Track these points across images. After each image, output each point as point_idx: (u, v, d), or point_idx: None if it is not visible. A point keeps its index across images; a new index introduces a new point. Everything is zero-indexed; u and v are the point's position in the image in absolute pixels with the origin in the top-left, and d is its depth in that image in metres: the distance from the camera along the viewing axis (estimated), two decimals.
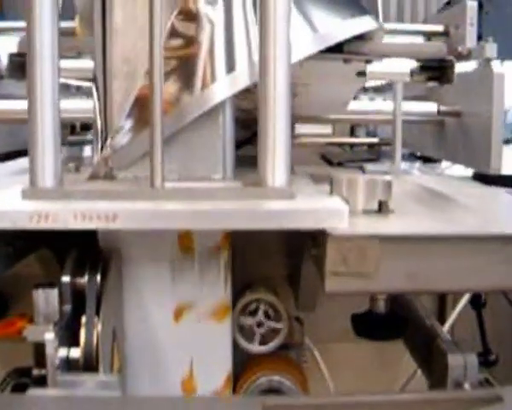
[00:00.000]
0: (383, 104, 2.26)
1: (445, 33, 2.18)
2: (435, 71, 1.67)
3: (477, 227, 1.16)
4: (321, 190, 1.24)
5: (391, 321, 1.35)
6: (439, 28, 2.18)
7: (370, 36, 1.46)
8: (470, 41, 2.00)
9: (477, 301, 1.44)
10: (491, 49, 1.84)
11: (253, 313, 1.42)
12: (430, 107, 2.14)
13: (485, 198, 1.61)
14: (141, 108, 1.24)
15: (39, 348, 1.16)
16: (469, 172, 2.11)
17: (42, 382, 1.16)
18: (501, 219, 1.34)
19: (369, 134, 3.52)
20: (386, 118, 2.18)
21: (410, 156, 2.85)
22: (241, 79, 1.24)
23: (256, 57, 1.19)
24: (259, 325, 1.41)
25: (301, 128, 2.48)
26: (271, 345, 1.41)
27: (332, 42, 1.34)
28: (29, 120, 1.13)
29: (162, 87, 1.10)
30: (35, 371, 1.18)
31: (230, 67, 1.25)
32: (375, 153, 3.02)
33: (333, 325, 1.84)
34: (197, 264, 1.30)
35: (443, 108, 2.11)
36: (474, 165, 1.98)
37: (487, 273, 1.08)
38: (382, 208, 1.21)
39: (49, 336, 1.09)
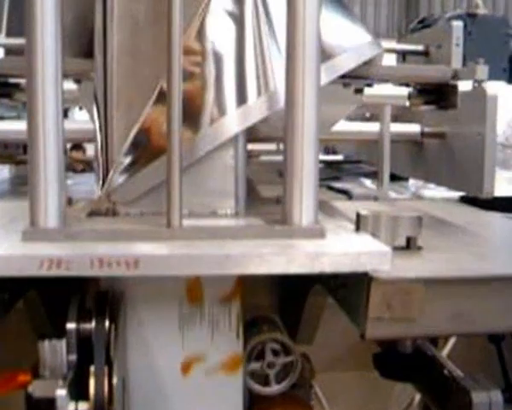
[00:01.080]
0: (365, 125, 2.20)
1: (425, 53, 2.13)
2: (433, 95, 1.62)
3: None
4: (342, 225, 1.16)
5: (417, 361, 1.28)
6: (419, 47, 2.14)
7: (371, 59, 1.40)
8: (456, 61, 1.95)
9: (496, 335, 1.39)
10: (482, 71, 1.79)
11: (261, 354, 1.32)
12: (413, 128, 2.09)
13: (497, 227, 1.56)
14: (145, 140, 1.13)
15: (43, 404, 1.04)
16: (447, 193, 2.09)
17: None
18: None
19: (327, 152, 3.48)
20: (367, 138, 2.12)
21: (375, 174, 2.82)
22: (255, 111, 1.14)
23: (272, 87, 1.10)
24: (270, 365, 1.31)
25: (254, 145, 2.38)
26: (288, 381, 1.32)
27: (342, 72, 1.27)
28: (29, 153, 1.01)
29: (181, 124, 1.00)
30: None
31: (242, 99, 1.15)
32: (336, 170, 2.98)
33: (325, 354, 1.76)
34: (207, 315, 1.20)
35: (427, 129, 2.06)
36: (463, 188, 1.93)
37: None
38: (411, 245, 1.14)
39: (61, 392, 0.98)
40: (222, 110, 1.14)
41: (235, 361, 1.21)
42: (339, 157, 3.11)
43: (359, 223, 1.12)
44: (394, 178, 2.63)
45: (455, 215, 1.62)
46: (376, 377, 1.54)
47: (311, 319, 1.47)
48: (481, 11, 2.24)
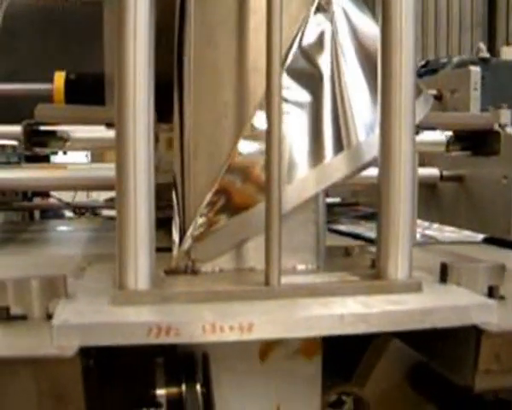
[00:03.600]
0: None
1: (438, 97, 2.16)
2: (470, 140, 1.64)
3: None
4: (422, 276, 1.14)
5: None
6: (432, 91, 2.16)
7: None
8: (474, 106, 1.99)
9: None
10: (505, 115, 1.83)
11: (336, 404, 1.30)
12: (430, 171, 2.10)
13: None
14: (225, 196, 1.11)
15: None
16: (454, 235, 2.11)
17: None
18: None
19: None
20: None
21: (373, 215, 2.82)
22: (338, 167, 1.12)
23: (354, 143, 1.10)
24: None
25: None
26: None
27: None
28: (119, 212, 0.98)
29: (281, 174, 0.98)
30: None
31: (321, 157, 1.13)
32: (332, 213, 2.98)
33: None
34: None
35: (446, 172, 2.08)
36: (488, 230, 1.94)
37: None
38: (494, 294, 1.12)
39: None
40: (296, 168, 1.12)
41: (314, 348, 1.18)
42: (336, 200, 3.11)
43: (446, 274, 1.10)
44: None
45: (498, 257, 1.62)
46: None
47: (369, 365, 1.44)
48: (486, 55, 2.30)
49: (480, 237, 2.03)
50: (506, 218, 1.83)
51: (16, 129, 2.20)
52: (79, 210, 3.20)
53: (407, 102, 1.00)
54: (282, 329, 0.90)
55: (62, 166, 2.44)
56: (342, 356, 1.44)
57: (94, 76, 2.09)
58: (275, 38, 0.96)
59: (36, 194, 2.91)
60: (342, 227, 2.41)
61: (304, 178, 1.10)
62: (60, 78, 2.16)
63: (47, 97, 2.25)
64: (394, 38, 0.99)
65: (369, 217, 2.75)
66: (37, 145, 1.56)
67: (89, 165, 3.58)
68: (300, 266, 1.14)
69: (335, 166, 1.11)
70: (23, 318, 0.99)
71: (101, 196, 3.25)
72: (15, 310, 0.99)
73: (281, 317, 0.91)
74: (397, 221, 1.02)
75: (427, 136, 1.65)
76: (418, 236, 2.25)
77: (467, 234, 2.17)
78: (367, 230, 2.43)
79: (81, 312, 0.93)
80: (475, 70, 1.98)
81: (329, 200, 3.17)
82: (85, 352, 0.88)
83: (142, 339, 0.88)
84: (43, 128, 1.54)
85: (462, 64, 2.17)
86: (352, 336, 1.28)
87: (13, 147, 2.84)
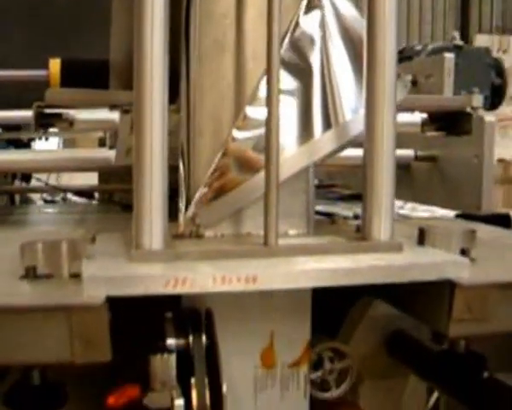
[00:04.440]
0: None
1: (414, 82, 2.30)
2: (445, 122, 1.79)
3: None
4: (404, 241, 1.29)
5: (471, 360, 1.42)
6: (408, 77, 2.30)
7: None
8: (448, 91, 2.13)
9: None
10: (477, 99, 1.97)
11: (319, 363, 1.43)
12: (407, 152, 2.25)
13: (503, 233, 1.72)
14: (228, 167, 1.24)
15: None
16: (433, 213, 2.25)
17: None
18: None
19: None
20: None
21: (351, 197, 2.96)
22: (327, 142, 1.26)
23: (341, 120, 1.23)
24: (330, 372, 1.43)
25: None
26: (346, 384, 1.44)
27: None
28: (135, 180, 1.10)
29: (279, 147, 1.12)
30: None
31: (309, 132, 1.27)
32: None
33: None
34: (279, 380, 1.30)
35: (420, 153, 2.22)
36: (459, 207, 2.09)
37: None
38: (466, 255, 1.27)
39: (179, 402, 1.07)
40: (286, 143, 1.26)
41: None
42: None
43: (423, 237, 1.25)
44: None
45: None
46: (387, 386, 1.68)
47: (351, 327, 1.59)
48: (460, 42, 2.45)
49: (452, 214, 2.19)
50: (476, 195, 1.98)
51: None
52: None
53: (389, 85, 1.14)
54: (282, 280, 1.04)
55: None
56: (328, 319, 1.59)
57: (87, 62, 2.20)
58: (274, 29, 1.09)
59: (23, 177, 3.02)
60: (319, 207, 2.55)
61: (296, 153, 1.24)
62: (55, 64, 2.25)
63: (40, 83, 2.32)
64: (378, 28, 1.13)
65: (346, 198, 2.90)
66: (45, 126, 1.68)
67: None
68: (292, 231, 1.28)
69: (324, 141, 1.25)
70: (48, 277, 1.12)
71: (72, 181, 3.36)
72: (42, 270, 1.12)
73: (281, 270, 1.05)
74: (380, 189, 1.16)
75: (404, 117, 1.79)
76: None
77: (440, 212, 2.33)
78: (344, 209, 2.58)
79: (105, 267, 1.06)
80: (449, 57, 2.12)
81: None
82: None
83: (160, 289, 1.01)
84: (49, 111, 1.65)
85: (437, 51, 2.31)
86: (337, 298, 1.42)
87: None
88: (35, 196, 3.56)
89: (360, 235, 1.19)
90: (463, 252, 1.27)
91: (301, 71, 1.27)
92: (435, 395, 1.90)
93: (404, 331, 1.67)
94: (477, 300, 1.10)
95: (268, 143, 1.11)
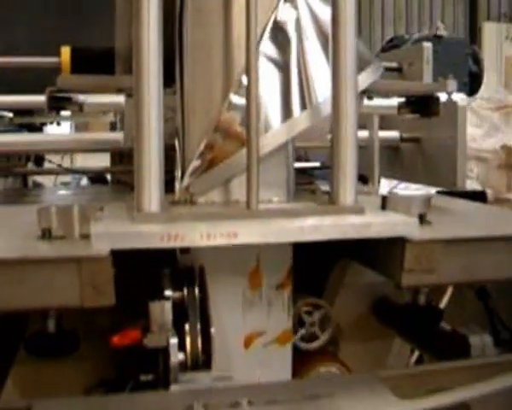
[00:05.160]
0: None
1: (399, 69, 2.49)
2: (418, 105, 1.97)
3: (501, 231, 1.45)
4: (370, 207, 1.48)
5: (430, 313, 1.61)
6: (393, 64, 2.49)
7: None
8: (427, 77, 2.31)
9: (484, 293, 1.73)
10: (452, 84, 2.15)
11: (300, 320, 1.64)
12: (392, 134, 2.44)
13: (475, 209, 1.91)
14: (217, 142, 1.43)
15: (146, 356, 1.32)
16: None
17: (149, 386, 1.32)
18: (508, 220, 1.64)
19: (300, 160, 3.80)
20: None
21: None
22: (303, 120, 1.45)
23: (314, 101, 1.43)
24: (312, 324, 1.64)
25: None
26: (327, 333, 1.65)
27: (362, 88, 1.58)
28: (136, 153, 1.30)
29: (259, 125, 1.31)
30: (142, 377, 1.34)
31: (289, 111, 1.46)
32: (310, 177, 3.30)
33: None
34: (265, 299, 1.51)
35: (405, 135, 2.41)
36: (438, 184, 2.28)
37: None
38: (423, 220, 1.46)
39: (174, 341, 1.27)
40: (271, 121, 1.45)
41: (287, 335, 1.53)
42: (315, 164, 3.42)
43: (385, 203, 1.44)
44: (364, 180, 2.98)
45: (443, 202, 1.97)
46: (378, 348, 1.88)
47: (334, 288, 1.79)
48: (443, 32, 2.62)
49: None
50: (452, 173, 2.17)
51: (12, 99, 2.50)
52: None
53: (351, 70, 1.34)
54: (258, 236, 1.24)
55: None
56: (312, 282, 1.79)
57: (95, 50, 2.38)
58: (252, 22, 1.29)
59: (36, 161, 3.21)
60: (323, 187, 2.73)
61: (277, 129, 1.43)
62: (66, 51, 2.41)
63: (51, 70, 2.48)
64: (340, 21, 1.33)
65: None
66: (57, 109, 1.88)
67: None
68: (274, 198, 1.47)
69: (301, 119, 1.44)
70: (62, 237, 1.32)
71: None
72: (56, 231, 1.32)
73: (258, 228, 1.24)
74: (344, 161, 1.35)
75: (384, 102, 1.98)
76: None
77: (427, 189, 2.52)
78: None
79: (110, 226, 1.25)
80: (428, 46, 2.31)
81: (310, 164, 3.50)
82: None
83: (156, 244, 1.21)
84: (61, 95, 1.86)
85: (420, 40, 2.49)
86: (319, 261, 1.62)
87: (10, 118, 3.12)
88: (47, 182, 3.77)
89: (329, 200, 1.38)
90: (421, 216, 1.47)
91: (280, 60, 1.46)
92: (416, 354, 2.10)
93: (388, 297, 1.87)
94: (425, 254, 1.30)
95: (248, 122, 1.30)
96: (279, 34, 1.46)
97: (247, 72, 1.30)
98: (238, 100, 1.42)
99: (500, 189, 6.46)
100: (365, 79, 1.55)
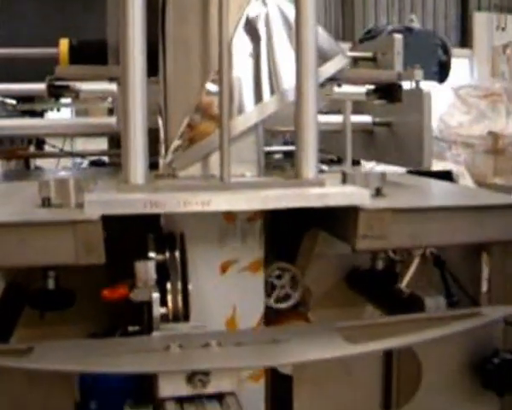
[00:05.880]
0: (324, 117, 2.72)
1: (374, 59, 2.68)
2: (384, 92, 2.17)
3: (451, 202, 1.64)
4: (332, 181, 1.67)
5: (386, 276, 1.81)
6: (369, 54, 2.68)
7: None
8: (398, 66, 2.50)
9: (440, 261, 1.92)
10: (418, 73, 2.34)
11: (279, 277, 1.85)
12: (365, 118, 2.63)
13: (432, 185, 2.11)
14: (195, 124, 1.63)
15: (133, 307, 1.52)
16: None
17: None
18: (461, 197, 1.83)
19: (286, 143, 3.99)
20: (329, 128, 2.65)
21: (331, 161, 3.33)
22: (271, 104, 1.65)
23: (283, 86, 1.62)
24: (283, 287, 1.84)
25: None
26: (297, 293, 1.85)
27: (327, 76, 1.79)
28: (123, 131, 1.49)
29: (231, 108, 1.51)
30: (130, 329, 1.54)
31: (259, 96, 1.66)
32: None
33: None
34: (239, 230, 1.70)
35: (377, 119, 2.60)
36: (407, 164, 2.47)
37: (461, 231, 1.56)
38: (379, 193, 1.66)
39: (156, 295, 1.46)
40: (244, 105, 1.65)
41: (258, 264, 1.73)
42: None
43: (345, 178, 1.64)
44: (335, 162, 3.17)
45: (405, 180, 2.17)
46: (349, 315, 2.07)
47: (305, 257, 1.99)
48: (416, 25, 2.81)
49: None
50: (419, 154, 2.36)
51: (15, 87, 2.68)
52: None
53: (311, 61, 1.53)
54: (228, 204, 1.43)
55: None
56: (285, 251, 1.99)
57: (92, 43, 2.56)
58: (224, 18, 1.48)
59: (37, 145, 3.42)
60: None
61: (249, 112, 1.63)
62: (64, 43, 2.59)
63: (49, 60, 2.65)
64: (303, 19, 1.52)
65: (326, 162, 3.28)
66: (56, 96, 2.07)
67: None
68: (247, 173, 1.67)
69: (269, 103, 1.64)
70: (59, 206, 1.52)
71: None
72: (55, 200, 1.52)
73: (228, 197, 1.44)
74: (306, 140, 1.54)
75: (353, 89, 2.17)
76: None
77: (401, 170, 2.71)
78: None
79: (101, 195, 1.45)
80: (398, 37, 2.49)
81: (292, 147, 3.69)
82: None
83: (140, 209, 1.40)
84: (59, 83, 2.05)
85: (393, 32, 2.68)
86: (290, 232, 1.82)
87: (12, 105, 3.30)
88: (48, 166, 3.95)
89: (293, 175, 1.58)
90: (377, 190, 1.66)
91: (252, 51, 1.66)
92: None
93: (360, 267, 2.07)
94: (376, 221, 1.49)
95: (221, 105, 1.50)
96: (251, 28, 1.65)
97: (220, 62, 1.50)
98: (215, 87, 1.61)
99: (487, 173, 6.67)
100: (329, 69, 1.74)
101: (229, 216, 1.68)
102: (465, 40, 11.06)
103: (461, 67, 10.26)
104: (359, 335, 1.48)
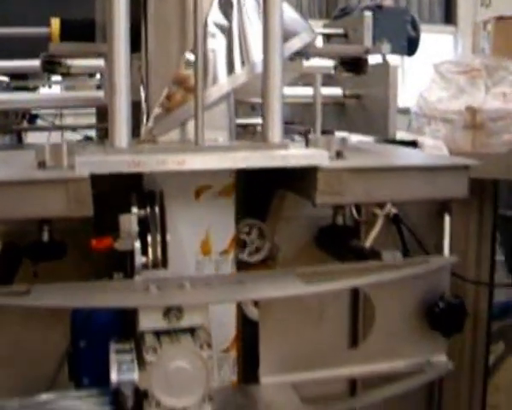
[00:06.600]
0: (297, 89, 2.90)
1: (345, 35, 2.86)
2: (351, 65, 2.36)
3: (404, 163, 1.84)
4: (297, 145, 1.87)
5: (347, 232, 2.01)
6: (340, 31, 2.86)
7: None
8: (367, 41, 2.68)
9: (397, 219, 2.12)
10: (386, 47, 2.52)
11: (249, 234, 2.05)
12: (336, 91, 2.81)
13: (393, 150, 2.31)
14: (173, 93, 1.82)
15: (117, 258, 1.72)
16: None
17: None
18: (416, 159, 2.03)
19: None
20: (302, 101, 2.84)
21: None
22: (241, 76, 1.84)
23: (253, 59, 1.81)
24: (252, 242, 2.03)
25: None
26: (265, 248, 2.05)
27: (293, 51, 1.98)
28: (110, 101, 1.68)
29: (204, 78, 1.70)
30: (115, 276, 1.74)
31: (232, 68, 1.85)
32: None
33: None
34: None
35: (347, 92, 2.79)
36: (374, 134, 2.67)
37: (413, 189, 1.76)
38: (340, 155, 1.85)
39: (137, 245, 1.66)
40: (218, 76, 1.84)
41: (230, 189, 1.92)
42: None
43: (308, 142, 1.83)
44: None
45: (370, 147, 2.37)
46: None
47: (274, 216, 2.18)
48: (388, 3, 3.00)
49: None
50: (385, 124, 2.55)
51: (9, 65, 2.84)
52: None
53: (277, 35, 1.72)
54: (201, 164, 1.63)
55: None
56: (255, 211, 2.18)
57: (80, 21, 2.72)
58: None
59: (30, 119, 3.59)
60: None
61: (221, 82, 1.82)
62: (56, 22, 2.75)
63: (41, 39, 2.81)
64: None
65: (301, 134, 3.46)
66: (49, 71, 2.25)
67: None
68: (220, 138, 1.86)
69: (240, 74, 1.83)
70: (53, 167, 1.71)
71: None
72: (49, 162, 1.70)
73: (201, 158, 1.64)
74: (272, 107, 1.74)
75: (321, 62, 2.36)
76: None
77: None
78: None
79: (90, 157, 1.64)
80: (368, 14, 2.67)
81: None
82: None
83: (123, 169, 1.60)
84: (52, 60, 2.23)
85: (365, 9, 2.85)
86: (260, 192, 2.01)
87: (7, 83, 3.47)
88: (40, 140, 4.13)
89: (260, 138, 1.77)
90: (338, 153, 1.86)
91: (226, 26, 1.84)
92: None
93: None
94: (334, 179, 1.69)
95: (196, 75, 1.69)
96: (224, 4, 1.84)
97: (195, 37, 1.68)
98: (192, 59, 1.80)
99: (466, 148, 6.85)
100: (296, 44, 1.93)
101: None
102: (449, 16, 11.21)
103: (445, 43, 10.44)
104: (317, 279, 1.68)
